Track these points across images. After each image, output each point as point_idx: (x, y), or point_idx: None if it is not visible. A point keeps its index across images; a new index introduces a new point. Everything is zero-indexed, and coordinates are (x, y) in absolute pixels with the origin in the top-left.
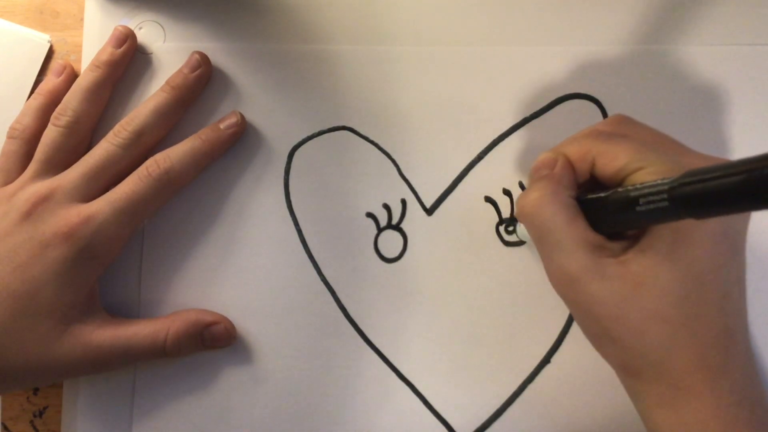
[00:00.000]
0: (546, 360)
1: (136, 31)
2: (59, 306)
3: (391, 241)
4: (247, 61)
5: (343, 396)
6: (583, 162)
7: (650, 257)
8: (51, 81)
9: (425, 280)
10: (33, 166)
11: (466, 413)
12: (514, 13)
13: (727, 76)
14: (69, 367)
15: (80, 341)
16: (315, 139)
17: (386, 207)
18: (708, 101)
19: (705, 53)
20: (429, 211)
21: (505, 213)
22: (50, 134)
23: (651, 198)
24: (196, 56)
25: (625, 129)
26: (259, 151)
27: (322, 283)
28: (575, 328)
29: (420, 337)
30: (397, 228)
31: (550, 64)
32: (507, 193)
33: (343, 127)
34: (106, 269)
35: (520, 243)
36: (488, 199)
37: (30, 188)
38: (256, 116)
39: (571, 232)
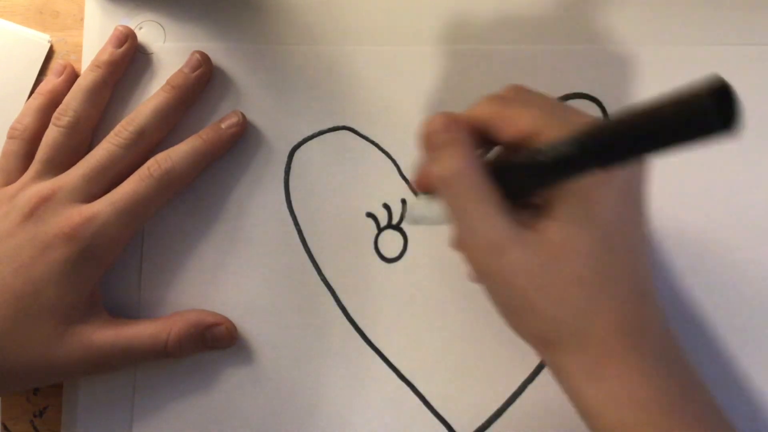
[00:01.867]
0: None
1: (136, 31)
2: (61, 306)
3: (391, 241)
4: (248, 61)
5: (343, 396)
6: (480, 127)
7: (564, 223)
8: (51, 81)
9: (425, 280)
10: (34, 167)
11: (466, 413)
12: (515, 12)
13: (728, 75)
14: (70, 367)
15: (81, 342)
16: (315, 139)
17: (386, 207)
18: None
19: (705, 53)
20: None
21: None
22: (51, 134)
23: (559, 148)
24: (197, 56)
25: (523, 96)
26: (259, 151)
27: (322, 283)
28: None
29: (420, 336)
30: (398, 228)
31: (550, 64)
32: None
33: (344, 127)
34: (107, 270)
35: None
36: None
37: (31, 189)
38: (256, 116)
39: (492, 199)
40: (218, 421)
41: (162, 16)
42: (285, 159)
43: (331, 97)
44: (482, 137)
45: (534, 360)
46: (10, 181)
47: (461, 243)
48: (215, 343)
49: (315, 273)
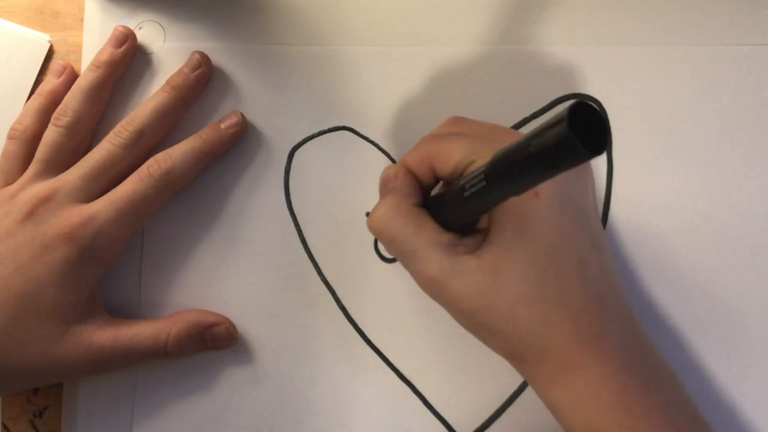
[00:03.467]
0: None
1: (136, 31)
2: (60, 307)
3: None
4: (248, 61)
5: (343, 396)
6: (423, 167)
7: (501, 245)
8: (51, 81)
9: None
10: (34, 167)
11: (466, 413)
12: (514, 13)
13: (727, 76)
14: (70, 368)
15: (81, 342)
16: (315, 139)
17: None
18: (708, 101)
19: (705, 53)
20: None
21: None
22: (51, 135)
23: (473, 182)
24: (197, 56)
25: (458, 128)
26: (259, 151)
27: (321, 283)
28: None
29: (420, 336)
30: None
31: (549, 64)
32: None
33: (344, 127)
34: (107, 270)
35: None
36: None
37: (31, 189)
38: (256, 116)
39: (421, 239)
40: (218, 421)
41: (162, 16)
42: (285, 159)
43: (331, 98)
44: (430, 176)
45: None
46: (10, 182)
47: (414, 278)
48: (215, 343)
49: (315, 273)
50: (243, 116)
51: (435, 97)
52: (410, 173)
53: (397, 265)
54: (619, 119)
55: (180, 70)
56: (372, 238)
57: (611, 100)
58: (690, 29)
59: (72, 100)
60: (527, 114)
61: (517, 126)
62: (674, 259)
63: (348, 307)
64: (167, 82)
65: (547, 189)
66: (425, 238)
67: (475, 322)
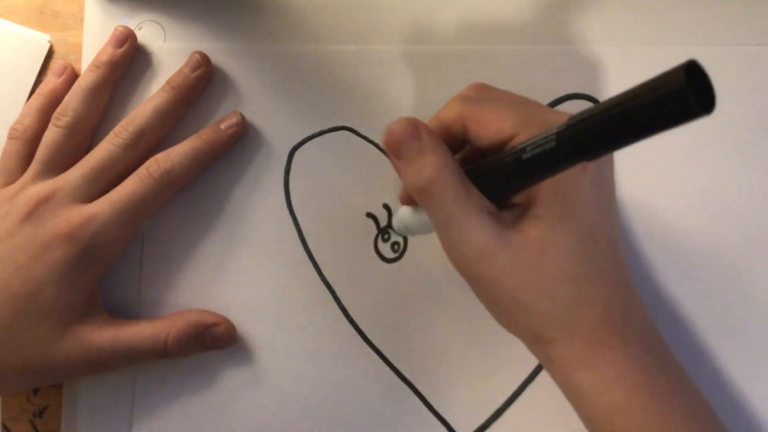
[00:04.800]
0: None
1: (136, 31)
2: (60, 307)
3: (391, 241)
4: (248, 61)
5: (343, 396)
6: (454, 129)
7: (546, 221)
8: (51, 81)
9: (425, 280)
10: (34, 167)
11: (466, 413)
12: (515, 12)
13: (728, 76)
14: (69, 368)
15: (80, 342)
16: (315, 139)
17: (386, 207)
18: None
19: (705, 54)
20: None
21: None
22: (51, 135)
23: (540, 143)
24: (197, 56)
25: (492, 95)
26: (259, 151)
27: (322, 284)
28: None
29: (420, 337)
30: None
31: (549, 64)
32: None
33: (344, 127)
34: (107, 270)
35: None
36: None
37: (31, 189)
38: (256, 116)
39: (473, 204)
40: (218, 421)
41: (162, 16)
42: (285, 159)
43: (331, 98)
44: (452, 140)
45: (534, 360)
46: (10, 182)
47: (447, 250)
48: (214, 343)
49: (315, 273)
50: (243, 116)
51: (435, 96)
52: (433, 130)
53: (398, 265)
54: None
55: (180, 70)
56: (372, 237)
57: None
58: (694, 29)
59: (72, 100)
60: None
61: None
62: (674, 257)
63: (348, 308)
64: (167, 82)
65: (591, 164)
66: (477, 204)
67: (511, 298)
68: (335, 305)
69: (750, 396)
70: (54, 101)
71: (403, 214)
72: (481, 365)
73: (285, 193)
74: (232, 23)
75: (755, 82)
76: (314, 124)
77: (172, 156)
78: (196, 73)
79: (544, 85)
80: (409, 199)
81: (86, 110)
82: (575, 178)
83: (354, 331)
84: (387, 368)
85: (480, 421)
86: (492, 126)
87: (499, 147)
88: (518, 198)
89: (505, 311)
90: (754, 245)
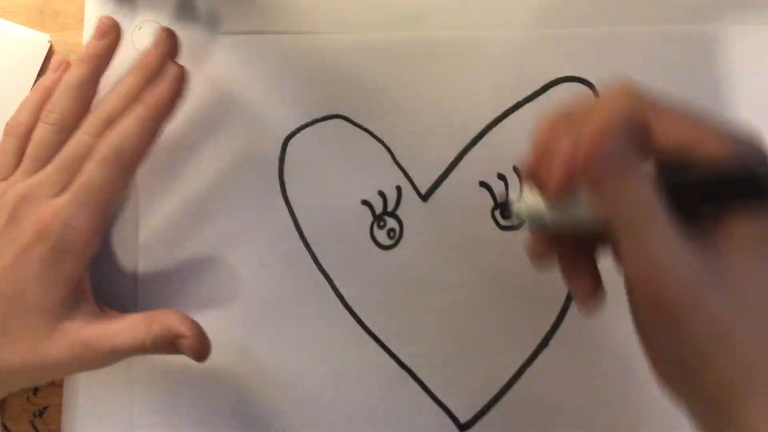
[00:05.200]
0: (544, 343)
1: (136, 31)
2: (46, 304)
3: (387, 228)
4: (240, 50)
5: (343, 384)
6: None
7: (759, 253)
8: (48, 77)
9: (422, 266)
10: (23, 165)
11: (465, 398)
12: None
13: (723, 55)
14: (60, 364)
15: (68, 338)
16: (309, 128)
17: (381, 194)
18: (702, 82)
19: (698, 33)
20: (424, 198)
21: (500, 197)
22: (39, 132)
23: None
24: (162, 31)
25: (656, 94)
26: (253, 141)
27: (319, 272)
28: (572, 310)
29: (418, 323)
30: (393, 215)
31: (542, 48)
32: (502, 177)
33: (337, 116)
34: (88, 261)
35: (516, 227)
36: (483, 184)
37: (14, 190)
38: (249, 106)
39: (676, 234)
40: (218, 416)
41: (162, 15)
42: (279, 149)
43: (324, 86)
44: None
45: (531, 344)
46: (5, 177)
47: (644, 298)
48: (185, 353)
49: (312, 262)
50: (182, 67)
51: (428, 83)
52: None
53: (394, 252)
54: None
55: (147, 51)
56: (368, 225)
57: (605, 82)
58: (684, 9)
59: (59, 96)
60: (520, 98)
61: (511, 111)
62: None
63: (345, 296)
64: (134, 64)
65: None
66: (676, 230)
67: (704, 344)
68: (333, 294)
69: None
70: (49, 97)
71: (545, 205)
72: (479, 350)
73: (280, 183)
74: (225, 14)
75: (751, 61)
76: (308, 113)
77: (120, 132)
78: (162, 50)
79: (537, 69)
80: (562, 186)
81: (72, 106)
82: None
83: (352, 319)
84: (386, 355)
85: (479, 405)
86: (672, 131)
87: (677, 153)
88: (707, 207)
89: (691, 361)
90: None
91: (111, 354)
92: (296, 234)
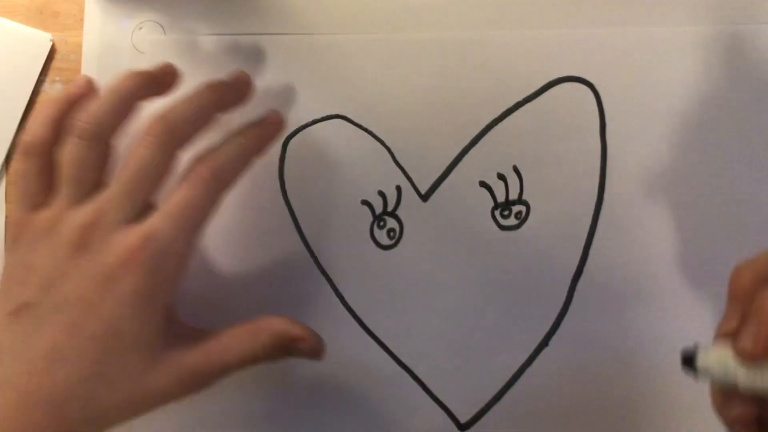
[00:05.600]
0: (544, 343)
1: (135, 31)
2: (143, 337)
3: (386, 228)
4: (241, 51)
5: (342, 383)
6: None
7: None
8: (67, 91)
9: (422, 266)
10: (64, 190)
11: (465, 398)
12: None
13: (723, 56)
14: (165, 396)
15: (172, 368)
16: (309, 128)
17: (381, 194)
18: (703, 83)
19: (700, 34)
20: (424, 198)
21: (500, 197)
22: (72, 149)
23: None
24: (244, 73)
25: None
26: None
27: (318, 272)
28: (572, 310)
29: (418, 322)
30: (393, 215)
31: (542, 48)
32: (501, 177)
33: (337, 116)
34: (179, 287)
35: (516, 227)
36: (483, 184)
37: (71, 218)
38: (249, 106)
39: None
40: (217, 415)
41: (162, 16)
42: (279, 148)
43: (325, 86)
44: None
45: (531, 344)
46: (36, 204)
47: None
48: (300, 356)
49: (312, 261)
50: (281, 115)
51: (429, 83)
52: None
53: (394, 251)
54: (614, 101)
55: (221, 79)
56: (368, 225)
57: (605, 82)
58: (685, 9)
59: (97, 109)
60: (520, 98)
61: (511, 110)
62: (668, 242)
63: (345, 295)
64: (204, 83)
65: None
66: None
67: None
68: (333, 293)
69: None
70: (67, 112)
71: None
72: (479, 350)
73: (280, 183)
74: (227, 19)
75: (752, 62)
76: (308, 113)
77: (219, 155)
78: (239, 84)
79: (537, 70)
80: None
81: (112, 121)
82: None
83: (352, 319)
84: (386, 355)
85: (479, 405)
86: None
87: None
88: None
89: None
90: (749, 228)
91: (221, 373)
92: (296, 233)
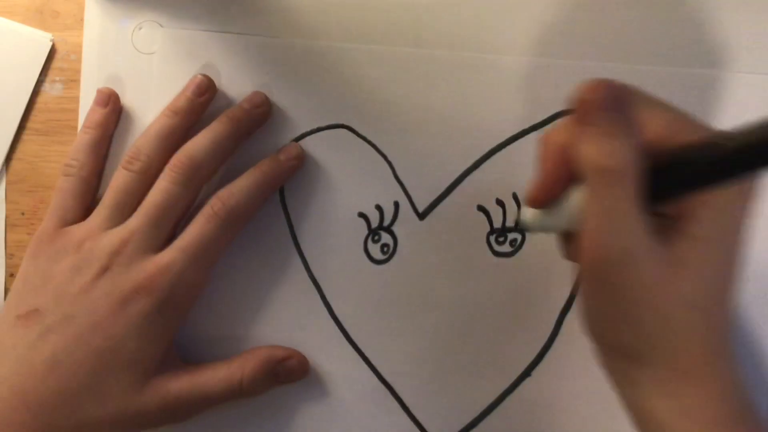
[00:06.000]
0: (527, 373)
1: (135, 31)
2: (141, 360)
3: (380, 243)
4: (248, 55)
5: (321, 392)
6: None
7: (703, 244)
8: (97, 112)
9: (412, 284)
10: (102, 213)
11: (443, 420)
12: (521, 23)
13: (721, 100)
14: (150, 419)
15: (159, 393)
16: (313, 135)
17: (378, 208)
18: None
19: (698, 76)
20: (421, 216)
21: (497, 223)
22: (122, 179)
23: (744, 137)
24: (259, 95)
25: (641, 96)
26: (255, 145)
27: (309, 280)
28: (558, 343)
29: (403, 340)
30: (388, 230)
31: (554, 78)
32: (500, 203)
33: (342, 126)
34: (186, 318)
35: (510, 254)
36: (481, 208)
37: (102, 240)
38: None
39: (641, 204)
40: (203, 418)
41: (162, 16)
42: None
43: (331, 95)
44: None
45: (515, 372)
46: (67, 221)
47: (589, 244)
48: (288, 377)
49: (303, 269)
50: (301, 149)
51: (438, 102)
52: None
53: (386, 267)
54: None
55: (239, 105)
56: (362, 238)
57: None
58: (697, 52)
59: (146, 144)
60: (526, 126)
61: (516, 137)
62: None
63: (333, 305)
64: (225, 114)
65: (752, 188)
66: (642, 202)
67: (626, 309)
68: (320, 302)
69: None
70: (104, 134)
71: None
72: (462, 373)
73: (279, 188)
74: (231, 20)
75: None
76: (313, 121)
77: (235, 192)
78: (258, 109)
79: (546, 98)
80: (547, 195)
81: (160, 156)
82: (738, 204)
83: (337, 329)
84: (367, 368)
85: (456, 428)
86: (648, 126)
87: (651, 150)
88: (672, 208)
89: (610, 321)
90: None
91: (203, 403)
92: (290, 239)
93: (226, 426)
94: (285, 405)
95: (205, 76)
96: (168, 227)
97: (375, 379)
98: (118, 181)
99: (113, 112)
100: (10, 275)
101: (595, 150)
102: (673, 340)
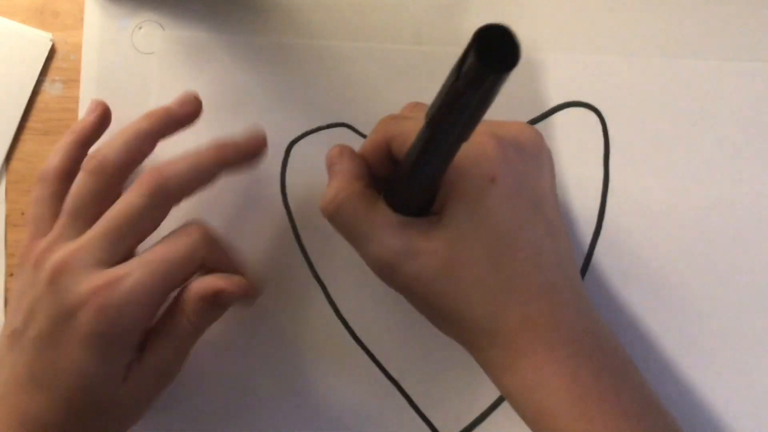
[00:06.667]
0: None
1: (135, 31)
2: (106, 378)
3: None
4: (247, 55)
5: (328, 391)
6: (379, 150)
7: (452, 230)
8: (85, 119)
9: None
10: (60, 221)
11: (450, 415)
12: (518, 17)
13: (728, 91)
14: (140, 406)
15: (137, 390)
16: (313, 134)
17: None
18: (707, 116)
19: (707, 67)
20: None
21: None
22: (78, 182)
23: (419, 138)
24: (257, 136)
25: (417, 113)
26: None
27: (313, 279)
28: None
29: (409, 336)
30: None
31: (551, 71)
32: None
33: (342, 124)
34: (144, 330)
35: None
36: None
37: (55, 253)
38: (255, 110)
39: (372, 220)
40: (209, 415)
41: (162, 16)
42: (282, 153)
43: (331, 94)
44: (387, 160)
45: None
46: (40, 231)
47: (368, 265)
48: (233, 302)
49: (307, 268)
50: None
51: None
52: (355, 154)
53: None
54: (618, 129)
55: (232, 139)
56: None
57: (611, 110)
58: (692, 43)
59: (108, 143)
60: (526, 120)
61: None
62: (668, 267)
63: (338, 304)
64: (211, 145)
65: (503, 175)
66: (377, 219)
67: (429, 305)
68: (325, 301)
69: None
70: (85, 140)
71: None
72: (468, 368)
73: (281, 187)
74: (231, 19)
75: (755, 98)
76: (313, 120)
77: (198, 224)
78: (247, 146)
79: (543, 92)
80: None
81: (121, 158)
82: (483, 189)
83: (343, 328)
84: (374, 366)
85: (464, 423)
86: (408, 140)
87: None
88: (436, 206)
89: (431, 318)
90: (748, 255)
91: (177, 358)
92: (294, 239)
93: (231, 423)
94: (292, 402)
95: (195, 95)
96: (124, 242)
97: (382, 377)
98: (76, 183)
99: (97, 119)
100: (10, 275)
101: (324, 202)
102: (485, 324)
